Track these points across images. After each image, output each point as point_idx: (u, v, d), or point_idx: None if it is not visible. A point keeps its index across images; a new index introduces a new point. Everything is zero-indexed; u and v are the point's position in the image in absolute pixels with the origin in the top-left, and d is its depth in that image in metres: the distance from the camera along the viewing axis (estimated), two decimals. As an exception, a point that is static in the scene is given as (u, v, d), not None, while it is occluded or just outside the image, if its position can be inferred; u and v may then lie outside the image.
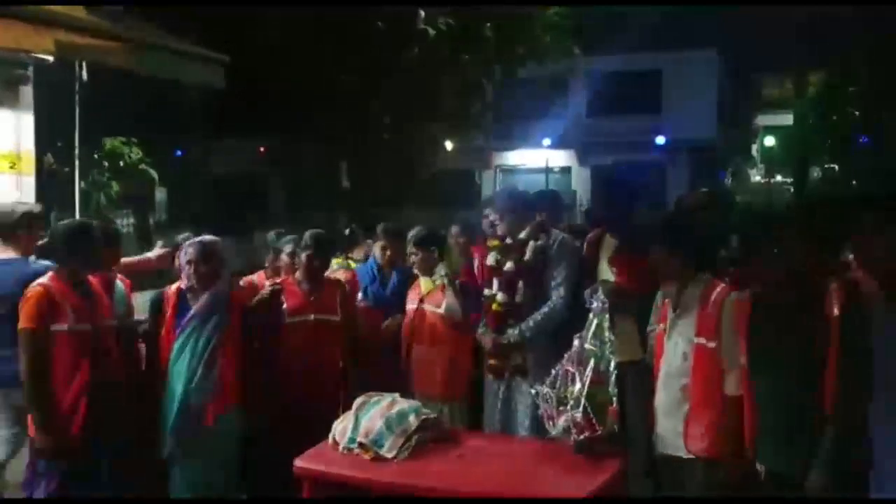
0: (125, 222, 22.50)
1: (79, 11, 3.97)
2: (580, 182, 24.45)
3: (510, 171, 26.20)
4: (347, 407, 3.42)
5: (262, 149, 23.76)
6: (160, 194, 25.41)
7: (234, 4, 8.78)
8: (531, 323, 3.76)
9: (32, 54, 4.08)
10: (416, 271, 4.32)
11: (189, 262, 3.53)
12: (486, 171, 26.55)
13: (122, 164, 18.41)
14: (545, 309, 3.77)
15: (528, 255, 3.81)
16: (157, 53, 4.39)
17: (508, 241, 3.92)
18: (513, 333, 3.77)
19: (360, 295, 4.44)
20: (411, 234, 4.50)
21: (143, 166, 18.41)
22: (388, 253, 4.49)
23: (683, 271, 3.08)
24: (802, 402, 2.58)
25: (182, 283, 3.58)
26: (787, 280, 2.66)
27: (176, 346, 3.45)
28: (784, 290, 2.68)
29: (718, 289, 3.02)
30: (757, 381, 2.75)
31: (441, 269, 4.20)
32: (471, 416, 4.08)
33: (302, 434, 3.38)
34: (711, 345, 2.94)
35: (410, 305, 4.24)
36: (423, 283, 4.25)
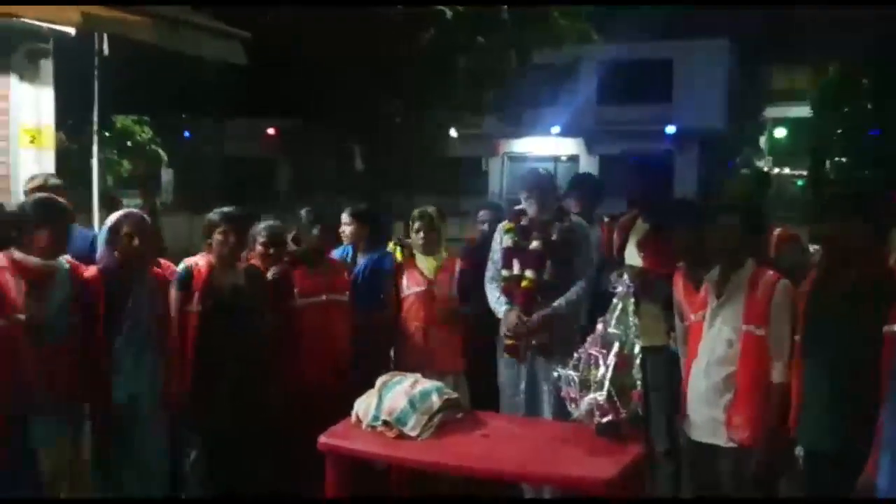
0: (132, 202, 22.54)
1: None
2: (588, 171, 24.40)
3: (518, 158, 26.16)
4: (355, 388, 3.43)
5: (270, 131, 23.75)
6: (166, 175, 25.53)
7: None
8: (567, 300, 3.78)
9: (55, 27, 4.07)
10: (415, 251, 4.29)
11: (127, 237, 3.29)
12: (493, 159, 26.53)
13: (129, 143, 18.50)
14: (577, 288, 3.81)
15: (554, 236, 3.84)
16: (179, 28, 4.38)
17: (523, 223, 3.95)
18: (556, 306, 3.77)
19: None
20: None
21: (153, 146, 18.45)
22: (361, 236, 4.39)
23: (739, 252, 3.05)
24: (864, 383, 2.57)
25: (100, 262, 3.29)
26: (849, 261, 2.66)
27: (121, 344, 3.23)
28: (847, 271, 2.67)
29: (767, 275, 2.99)
30: (817, 363, 2.74)
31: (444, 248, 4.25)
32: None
33: (318, 415, 3.38)
34: (760, 332, 2.91)
35: (416, 289, 4.20)
36: (425, 264, 4.23)
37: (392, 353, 4.33)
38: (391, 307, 4.25)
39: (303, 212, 4.10)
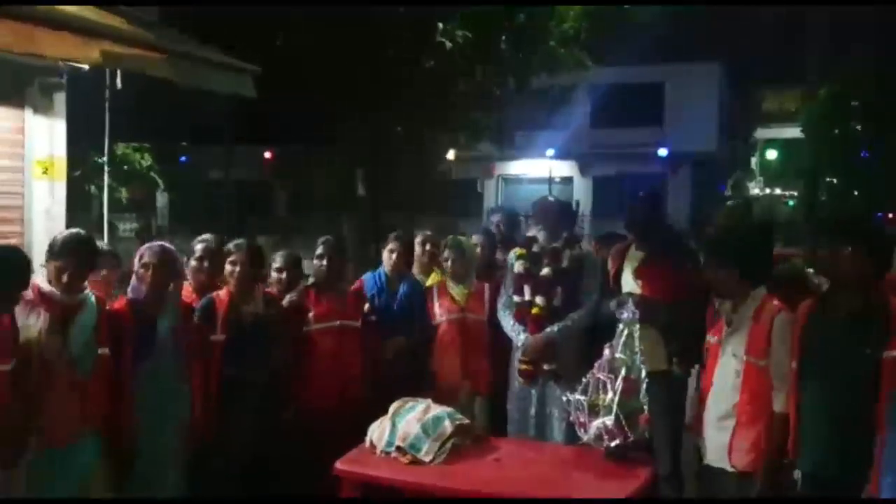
0: (129, 227, 22.64)
1: (119, 22, 4.08)
2: (582, 193, 24.62)
3: (512, 180, 26.36)
4: (370, 412, 3.50)
5: (267, 155, 23.90)
6: (162, 199, 25.60)
7: (248, 4, 8.80)
8: (569, 322, 3.88)
9: (75, 63, 4.19)
10: (446, 277, 4.35)
11: (145, 267, 3.28)
12: (488, 181, 26.73)
13: (125, 168, 18.59)
14: (581, 311, 3.91)
15: (565, 263, 3.94)
16: (191, 63, 4.50)
17: (535, 249, 4.04)
18: (551, 331, 3.86)
19: (366, 305, 4.31)
20: (419, 238, 4.57)
21: (150, 172, 18.49)
22: (395, 259, 4.42)
23: (738, 288, 3.14)
24: (863, 407, 2.67)
25: (131, 293, 3.32)
26: (848, 290, 2.75)
27: (146, 371, 3.22)
28: (845, 299, 2.76)
29: (770, 305, 3.07)
30: (815, 388, 2.81)
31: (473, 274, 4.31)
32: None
33: (330, 440, 3.47)
34: (762, 363, 2.99)
35: (450, 317, 4.26)
36: (456, 291, 4.30)
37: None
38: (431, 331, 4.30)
39: (320, 241, 4.18)
